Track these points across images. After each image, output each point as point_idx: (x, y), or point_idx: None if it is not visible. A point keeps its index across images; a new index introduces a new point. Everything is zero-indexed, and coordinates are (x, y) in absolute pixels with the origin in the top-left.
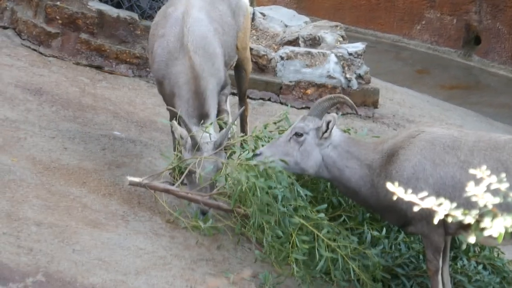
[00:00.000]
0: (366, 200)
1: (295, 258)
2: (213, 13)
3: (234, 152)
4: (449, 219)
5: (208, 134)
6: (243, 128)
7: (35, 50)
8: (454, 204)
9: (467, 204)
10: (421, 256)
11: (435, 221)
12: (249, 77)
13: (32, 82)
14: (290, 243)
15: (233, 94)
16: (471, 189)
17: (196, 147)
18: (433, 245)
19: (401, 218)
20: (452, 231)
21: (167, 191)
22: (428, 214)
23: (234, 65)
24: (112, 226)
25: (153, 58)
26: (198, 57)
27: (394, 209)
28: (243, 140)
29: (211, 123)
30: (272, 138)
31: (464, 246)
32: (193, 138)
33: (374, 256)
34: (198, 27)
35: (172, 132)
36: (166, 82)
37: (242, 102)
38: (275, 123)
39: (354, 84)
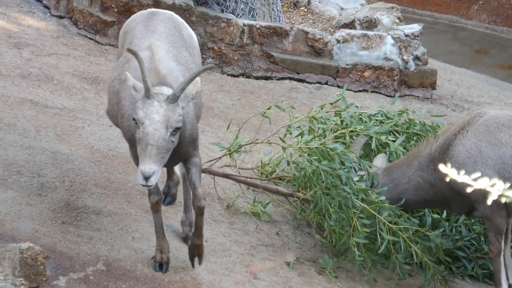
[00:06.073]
0: (436, 201)
1: (356, 242)
2: (180, 58)
3: (290, 133)
4: (503, 200)
5: (164, 87)
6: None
7: (91, 39)
8: (507, 183)
9: None
10: (482, 238)
11: (489, 202)
12: None
13: (89, 71)
14: (351, 226)
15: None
16: None
17: (147, 93)
18: (496, 227)
19: (465, 205)
20: None
21: (226, 176)
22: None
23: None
24: (172, 213)
25: (122, 114)
26: None
27: (458, 197)
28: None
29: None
30: (328, 119)
31: None
32: (144, 83)
33: (436, 238)
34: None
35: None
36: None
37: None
38: (331, 103)
39: (412, 65)
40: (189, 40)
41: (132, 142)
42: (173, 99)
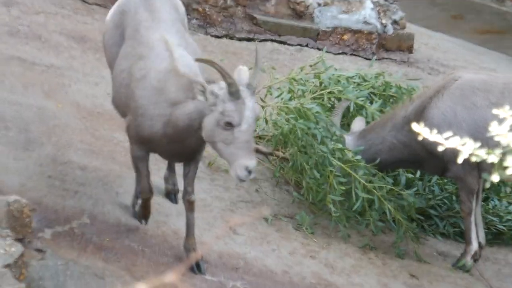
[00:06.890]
0: (410, 161)
1: (332, 199)
2: (188, 50)
3: (271, 94)
4: (473, 159)
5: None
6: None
7: None
8: (478, 144)
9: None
10: (454, 197)
11: (459, 161)
12: None
13: (76, 30)
14: (328, 184)
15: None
16: (494, 128)
17: (236, 94)
18: (468, 187)
19: (438, 165)
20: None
21: None
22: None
23: None
24: (155, 170)
25: (142, 114)
26: None
27: (432, 158)
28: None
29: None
30: (307, 81)
31: (488, 185)
32: (231, 85)
33: (409, 196)
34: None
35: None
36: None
37: None
38: (311, 66)
39: (390, 29)
40: (183, 18)
41: (146, 140)
42: (254, 91)
